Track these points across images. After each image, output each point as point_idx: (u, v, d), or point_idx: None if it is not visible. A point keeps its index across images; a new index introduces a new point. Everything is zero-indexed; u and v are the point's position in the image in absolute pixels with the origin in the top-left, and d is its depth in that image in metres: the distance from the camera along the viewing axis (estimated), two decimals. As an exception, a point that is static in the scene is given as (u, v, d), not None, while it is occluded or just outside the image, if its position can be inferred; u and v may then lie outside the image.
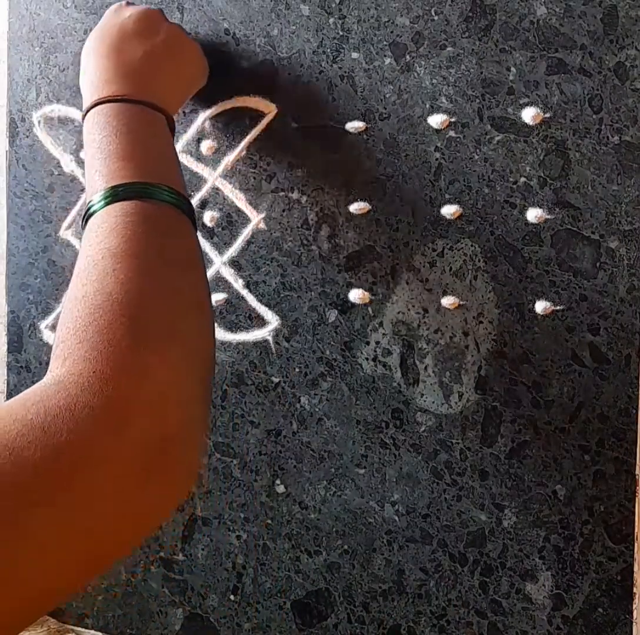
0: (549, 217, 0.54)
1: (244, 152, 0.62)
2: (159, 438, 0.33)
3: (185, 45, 0.59)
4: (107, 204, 0.43)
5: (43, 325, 0.70)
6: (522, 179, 0.55)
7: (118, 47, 0.54)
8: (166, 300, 0.39)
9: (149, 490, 0.33)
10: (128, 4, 0.58)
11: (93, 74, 0.53)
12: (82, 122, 0.51)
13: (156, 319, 0.38)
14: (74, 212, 0.68)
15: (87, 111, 0.50)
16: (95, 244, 0.41)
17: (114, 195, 0.43)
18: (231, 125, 0.62)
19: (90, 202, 0.44)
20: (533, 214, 0.55)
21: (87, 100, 0.52)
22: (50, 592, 0.32)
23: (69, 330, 0.36)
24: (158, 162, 0.48)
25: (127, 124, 0.49)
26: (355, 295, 0.60)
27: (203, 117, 0.63)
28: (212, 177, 0.63)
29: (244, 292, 0.63)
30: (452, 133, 0.56)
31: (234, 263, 0.63)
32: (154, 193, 0.44)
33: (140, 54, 0.54)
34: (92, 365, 0.34)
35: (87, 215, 0.44)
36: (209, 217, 0.63)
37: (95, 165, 0.46)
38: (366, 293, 0.59)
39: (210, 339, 0.42)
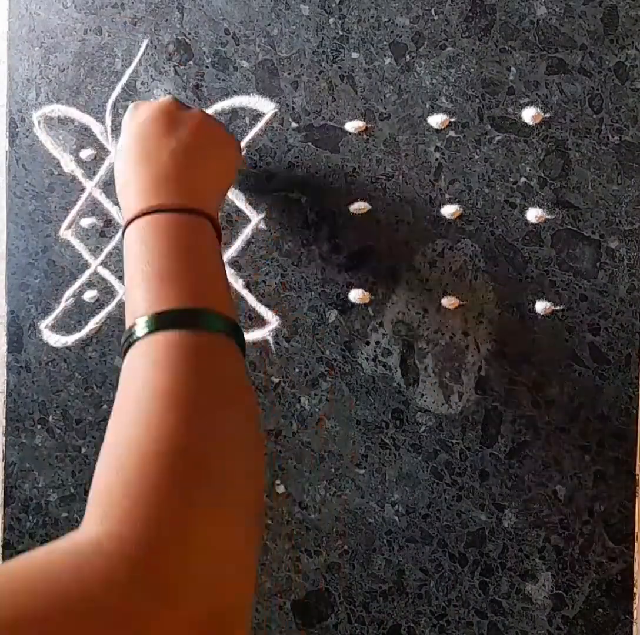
0: (549, 217, 0.54)
1: (244, 152, 0.62)
2: (209, 614, 0.30)
3: (212, 130, 0.54)
4: (150, 332, 0.40)
5: (43, 325, 0.70)
6: (522, 179, 0.55)
7: (144, 155, 0.50)
8: (219, 449, 0.36)
9: None
10: (138, 102, 0.55)
11: (126, 187, 0.50)
12: (122, 236, 0.48)
13: (208, 475, 0.34)
14: (73, 212, 0.68)
15: (126, 226, 0.47)
16: (139, 380, 0.38)
17: (158, 323, 0.40)
18: (231, 125, 0.62)
19: (132, 328, 0.41)
20: (533, 214, 0.55)
21: (124, 215, 0.49)
22: None
23: (111, 478, 0.33)
24: (205, 281, 0.44)
25: (169, 238, 0.45)
26: (355, 295, 0.60)
27: (203, 117, 0.63)
28: (212, 177, 0.63)
29: (244, 292, 0.63)
30: (452, 133, 0.56)
31: (234, 263, 0.63)
32: (201, 321, 0.41)
33: (167, 155, 0.50)
34: (137, 531, 0.31)
35: (128, 342, 0.41)
36: (209, 217, 0.63)
37: (136, 285, 0.43)
38: (366, 293, 0.59)
39: (261, 479, 0.39)
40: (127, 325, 0.42)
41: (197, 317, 0.41)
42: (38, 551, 0.31)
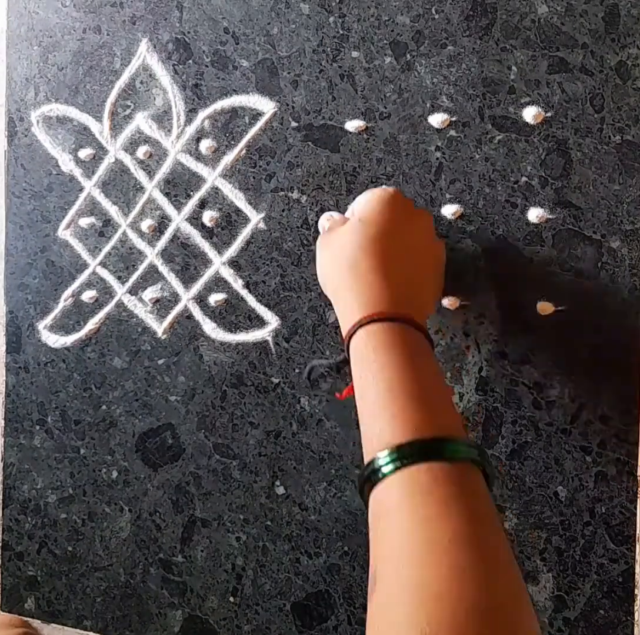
0: (550, 216, 0.54)
1: (244, 152, 0.62)
2: None
3: (440, 251, 0.53)
4: (399, 466, 0.38)
5: (41, 325, 0.70)
6: (523, 179, 0.55)
7: (395, 255, 0.48)
8: (520, 604, 0.34)
9: None
10: (403, 197, 0.52)
11: (364, 281, 0.47)
12: (348, 333, 0.45)
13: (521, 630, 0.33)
14: (72, 212, 0.68)
15: (359, 325, 0.44)
16: (416, 522, 0.36)
17: (409, 455, 0.38)
18: (231, 125, 0.62)
19: (375, 460, 0.39)
20: (534, 214, 0.54)
21: (355, 310, 0.46)
22: None
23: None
24: (447, 407, 0.42)
25: (413, 355, 0.42)
26: (356, 295, 0.59)
27: (202, 116, 0.63)
28: (212, 177, 0.63)
29: (244, 293, 0.63)
30: (452, 132, 0.56)
31: (234, 263, 0.63)
32: (454, 452, 0.38)
33: (415, 267, 0.48)
34: None
35: (373, 476, 0.39)
36: (208, 217, 0.63)
37: (378, 405, 0.41)
38: (366, 293, 0.59)
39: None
40: (369, 450, 0.40)
41: (444, 446, 0.38)
42: None
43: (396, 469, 0.38)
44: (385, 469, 0.38)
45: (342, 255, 0.49)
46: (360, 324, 0.44)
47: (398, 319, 0.44)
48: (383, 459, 0.38)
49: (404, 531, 0.36)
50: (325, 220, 0.55)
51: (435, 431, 0.39)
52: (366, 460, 0.40)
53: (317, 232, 0.60)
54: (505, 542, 0.37)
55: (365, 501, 0.40)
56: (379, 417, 0.40)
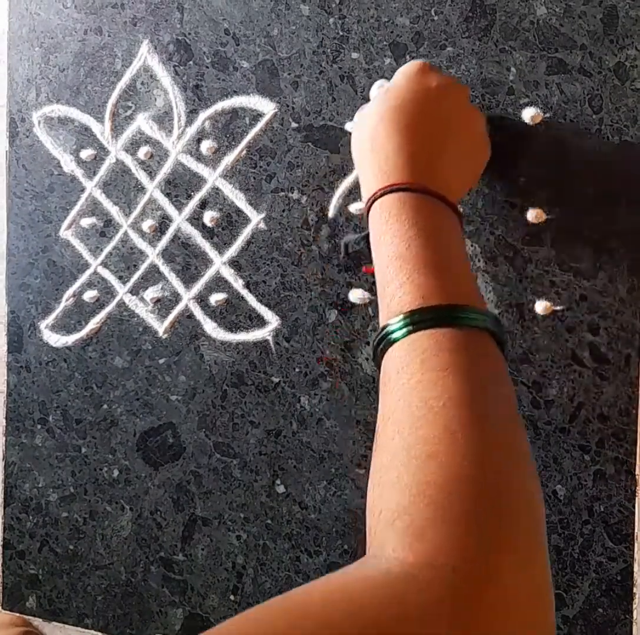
0: (549, 217, 0.54)
1: (244, 152, 0.62)
2: None
3: (479, 123, 0.51)
4: (408, 332, 0.38)
5: (43, 325, 0.70)
6: (522, 179, 0.55)
7: (417, 125, 0.46)
8: (521, 470, 0.34)
9: None
10: (431, 68, 0.50)
11: (382, 151, 0.45)
12: (366, 206, 0.45)
13: (519, 501, 0.32)
14: (74, 212, 0.68)
15: (374, 198, 0.44)
16: (413, 385, 0.36)
17: (419, 322, 0.38)
18: (231, 125, 0.62)
19: (387, 326, 0.39)
20: (533, 214, 0.55)
21: (371, 182, 0.45)
22: None
23: (406, 497, 0.31)
24: (461, 276, 0.41)
25: (425, 225, 0.42)
26: (355, 295, 0.60)
27: (203, 117, 0.63)
28: (213, 178, 0.63)
29: (244, 292, 0.63)
30: (452, 133, 0.56)
31: (234, 263, 0.63)
32: (463, 319, 0.38)
33: (441, 137, 0.46)
34: (455, 560, 0.28)
35: (383, 342, 0.39)
36: (209, 217, 0.63)
37: (389, 273, 0.40)
38: (366, 293, 0.59)
39: (541, 499, 0.35)
40: (383, 317, 0.40)
41: (459, 314, 0.38)
42: (341, 580, 0.29)
43: (405, 335, 0.38)
44: (395, 335, 0.38)
45: (364, 127, 0.48)
46: (374, 198, 0.44)
47: (414, 189, 0.43)
48: (394, 325, 0.38)
49: (402, 393, 0.36)
50: (376, 88, 0.55)
51: (447, 298, 0.38)
52: (381, 325, 0.40)
53: (317, 232, 0.60)
54: (509, 405, 0.36)
55: (377, 367, 0.40)
56: (390, 284, 0.40)
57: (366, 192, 0.46)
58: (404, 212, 0.42)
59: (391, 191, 0.43)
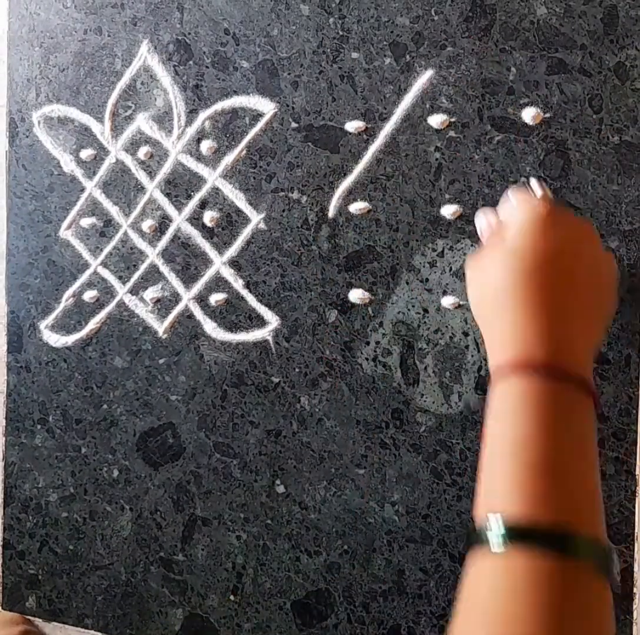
0: (549, 217, 0.54)
1: (244, 152, 0.62)
2: None
3: (610, 267, 0.46)
4: (505, 545, 0.34)
5: (43, 325, 0.70)
6: (522, 179, 0.55)
7: (558, 288, 0.41)
8: None
9: None
10: (556, 219, 0.43)
11: (519, 314, 0.41)
12: (492, 372, 0.41)
13: None
14: (73, 212, 0.68)
15: (501, 374, 0.40)
16: (485, 619, 0.33)
17: (522, 537, 0.34)
18: (231, 125, 0.62)
19: (483, 526, 0.36)
20: (533, 214, 0.55)
21: (505, 346, 0.41)
22: None
23: None
24: (587, 493, 0.37)
25: (557, 428, 0.37)
26: (355, 295, 0.60)
27: (203, 117, 0.63)
28: (213, 178, 0.63)
29: (244, 292, 0.63)
30: (452, 133, 0.56)
31: (234, 263, 0.63)
32: (575, 549, 0.34)
33: (580, 297, 0.42)
34: None
35: (474, 539, 0.36)
36: (209, 217, 0.63)
37: (497, 464, 0.37)
38: (366, 293, 0.59)
39: None
40: (480, 515, 0.37)
41: (573, 543, 0.34)
42: None
43: (501, 543, 0.35)
44: (490, 540, 0.35)
45: (494, 288, 0.43)
46: (504, 373, 0.40)
47: (551, 372, 0.39)
48: (490, 528, 0.35)
49: (483, 620, 0.34)
50: (482, 222, 0.50)
51: (555, 516, 0.35)
52: (477, 518, 0.37)
53: (317, 232, 0.60)
54: None
55: (465, 551, 0.38)
56: (497, 482, 0.37)
57: (495, 356, 0.42)
58: (531, 404, 0.38)
59: (524, 371, 0.39)
